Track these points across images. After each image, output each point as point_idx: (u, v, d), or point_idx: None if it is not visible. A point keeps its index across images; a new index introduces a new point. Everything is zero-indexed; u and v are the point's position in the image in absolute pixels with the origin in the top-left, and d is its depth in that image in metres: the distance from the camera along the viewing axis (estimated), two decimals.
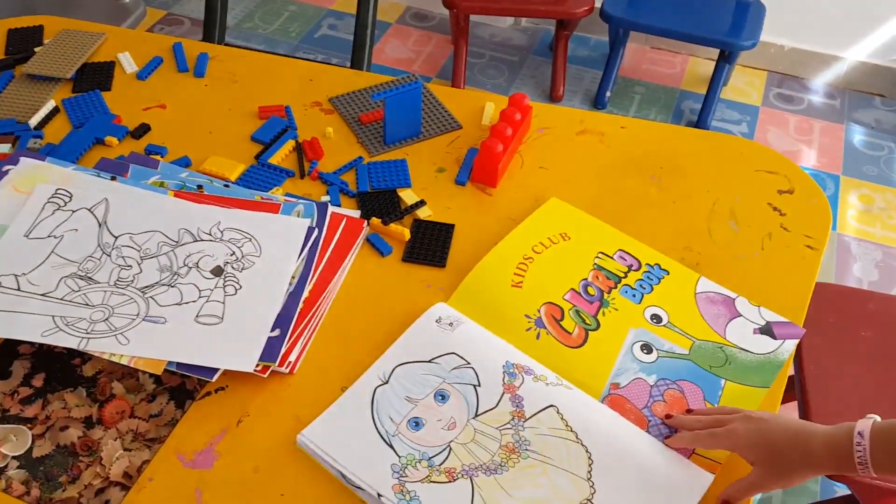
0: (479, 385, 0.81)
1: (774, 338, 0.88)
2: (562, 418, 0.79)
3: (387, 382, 0.81)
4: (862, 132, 2.34)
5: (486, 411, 0.79)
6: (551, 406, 0.80)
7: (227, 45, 1.71)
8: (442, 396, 0.80)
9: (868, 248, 2.01)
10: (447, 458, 0.76)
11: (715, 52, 2.27)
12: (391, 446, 0.76)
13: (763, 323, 0.89)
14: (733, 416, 0.75)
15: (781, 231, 0.99)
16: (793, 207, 1.02)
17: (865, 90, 2.48)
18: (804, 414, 1.19)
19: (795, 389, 1.23)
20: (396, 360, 0.83)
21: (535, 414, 0.79)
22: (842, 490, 1.52)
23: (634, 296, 0.91)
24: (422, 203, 1.01)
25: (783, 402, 1.13)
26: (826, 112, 2.40)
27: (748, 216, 1.01)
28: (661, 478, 0.75)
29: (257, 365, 0.80)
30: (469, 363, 0.83)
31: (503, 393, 0.80)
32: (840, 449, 0.67)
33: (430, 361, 0.83)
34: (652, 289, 0.92)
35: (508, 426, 0.78)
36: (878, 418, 0.68)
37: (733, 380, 0.84)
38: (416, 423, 0.78)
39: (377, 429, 0.77)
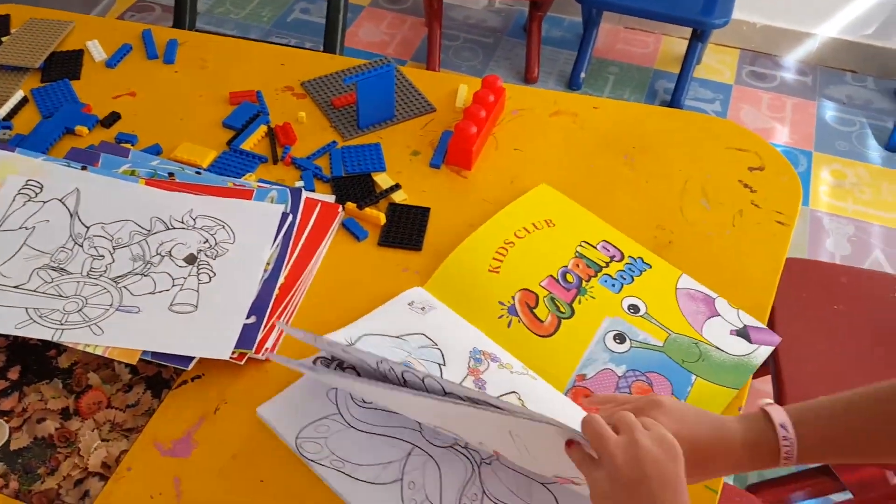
0: (444, 365, 0.81)
1: (750, 342, 0.87)
2: (523, 405, 0.79)
3: (352, 345, 0.81)
4: (833, 108, 2.36)
5: None
6: (513, 392, 0.80)
7: (198, 30, 1.70)
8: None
9: (840, 222, 2.03)
10: None
11: (688, 31, 2.28)
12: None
13: (741, 326, 0.88)
14: (650, 409, 0.67)
15: (752, 208, 1.00)
16: (763, 184, 1.03)
17: (837, 66, 2.50)
18: (778, 387, 1.21)
19: (769, 363, 1.25)
20: (364, 331, 0.83)
21: (497, 397, 0.79)
22: None
23: (614, 285, 0.91)
24: (397, 187, 1.01)
25: (757, 376, 1.15)
26: (798, 89, 2.42)
27: (719, 194, 1.02)
28: None
29: (233, 352, 0.80)
30: (436, 344, 0.83)
31: (467, 375, 0.81)
32: (762, 447, 0.64)
33: (397, 337, 0.83)
34: (632, 280, 0.92)
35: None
36: (769, 400, 0.66)
37: (704, 377, 0.83)
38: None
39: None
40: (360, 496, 0.72)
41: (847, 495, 1.25)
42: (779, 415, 0.64)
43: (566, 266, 0.93)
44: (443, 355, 0.82)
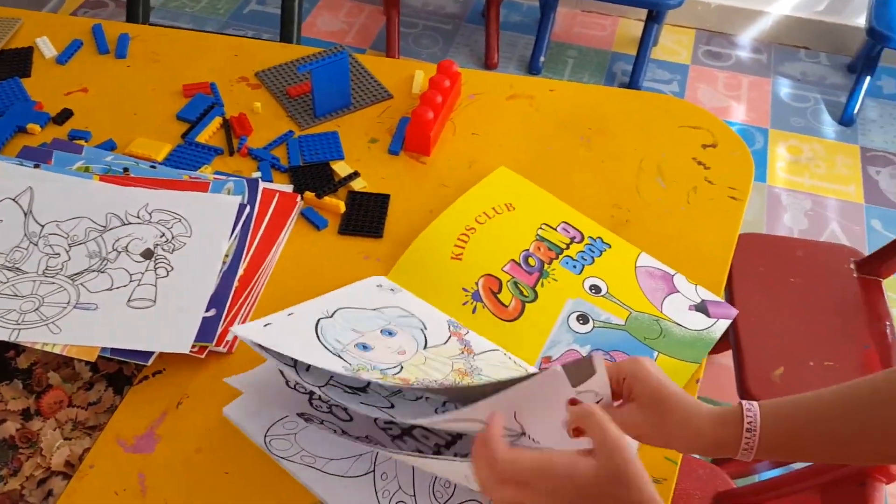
0: (426, 329, 0.81)
1: (709, 316, 0.89)
2: (509, 358, 0.80)
3: (331, 317, 0.80)
4: (788, 85, 2.40)
5: (436, 346, 0.80)
6: (498, 350, 0.81)
7: (151, 24, 1.68)
8: (389, 333, 0.80)
9: (798, 197, 2.07)
10: (399, 372, 0.75)
11: (644, 13, 2.30)
12: (340, 357, 0.74)
13: (699, 301, 0.90)
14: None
15: (706, 184, 1.02)
16: (716, 161, 1.05)
17: (790, 43, 2.54)
18: (738, 360, 1.23)
19: (729, 338, 1.28)
20: (339, 305, 0.82)
21: (484, 352, 0.80)
22: None
23: (575, 267, 0.92)
24: (356, 175, 1.01)
25: (717, 351, 1.18)
26: (753, 67, 2.46)
27: (674, 172, 1.04)
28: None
29: (193, 346, 0.80)
30: (414, 314, 0.83)
31: (450, 336, 0.81)
32: (725, 420, 0.64)
33: (374, 310, 0.83)
34: (593, 261, 0.93)
35: (459, 357, 0.79)
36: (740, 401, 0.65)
37: (666, 353, 0.85)
38: (365, 347, 0.77)
39: (323, 344, 0.75)
40: (333, 490, 0.72)
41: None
42: (751, 412, 0.64)
43: (528, 249, 0.93)
44: (422, 323, 0.82)
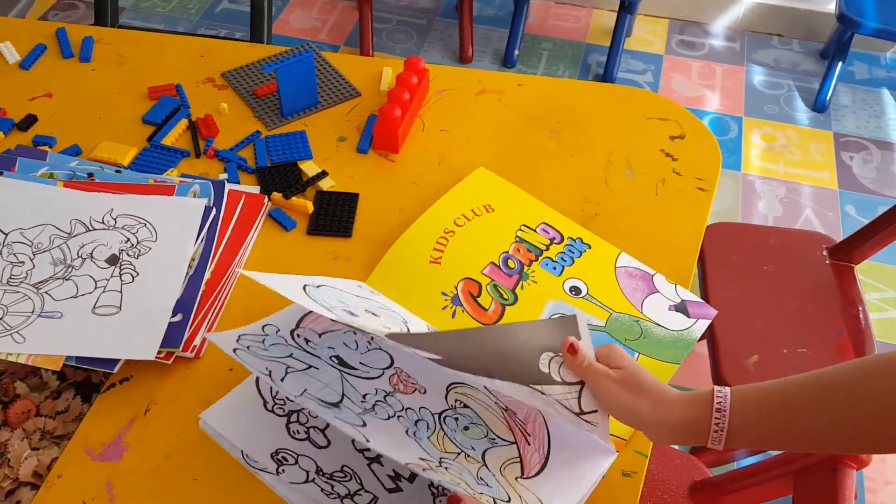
0: (407, 323, 0.82)
1: (688, 316, 0.89)
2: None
3: (317, 288, 0.79)
4: (761, 72, 2.41)
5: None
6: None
7: (121, 26, 1.66)
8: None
9: (772, 185, 2.08)
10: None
11: (617, 4, 2.30)
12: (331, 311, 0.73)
13: (678, 301, 0.90)
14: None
15: (674, 176, 1.02)
16: (684, 152, 1.05)
17: (763, 31, 2.55)
18: (713, 348, 1.24)
19: None
20: (323, 282, 0.81)
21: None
22: None
23: (555, 268, 0.92)
24: (324, 174, 1.01)
25: None
26: (727, 55, 2.47)
27: (642, 164, 1.04)
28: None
29: (160, 352, 0.79)
30: (395, 311, 0.83)
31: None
32: (696, 404, 0.65)
33: (356, 296, 0.82)
34: (573, 262, 0.92)
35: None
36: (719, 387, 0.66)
37: (647, 354, 0.85)
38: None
39: (312, 299, 0.75)
40: (311, 501, 0.71)
41: None
42: (721, 388, 0.65)
43: (507, 252, 0.93)
44: (404, 319, 0.82)
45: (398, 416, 0.73)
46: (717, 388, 0.65)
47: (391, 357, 0.78)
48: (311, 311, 0.80)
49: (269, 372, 0.71)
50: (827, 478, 0.90)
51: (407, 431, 0.72)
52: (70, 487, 0.73)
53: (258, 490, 0.72)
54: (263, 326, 0.78)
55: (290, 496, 0.72)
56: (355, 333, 0.79)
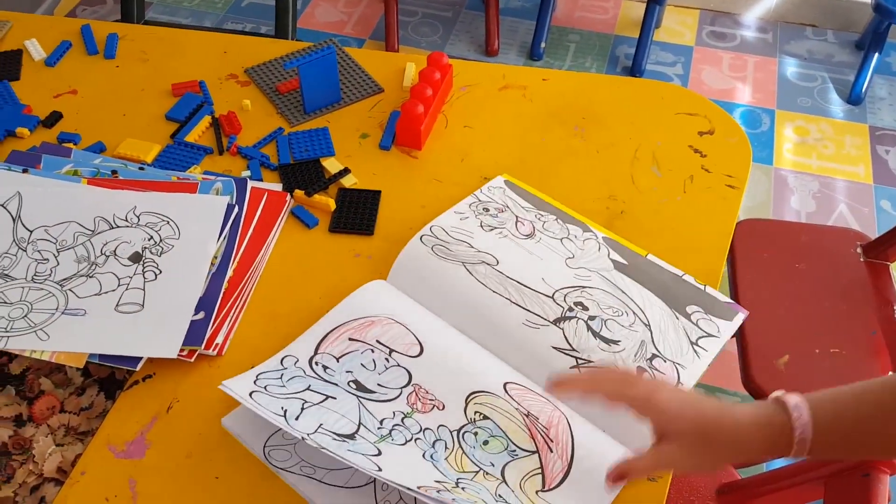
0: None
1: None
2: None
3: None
4: (795, 64, 2.36)
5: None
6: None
7: (149, 21, 1.67)
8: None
9: (805, 179, 2.04)
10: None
11: None
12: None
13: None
14: (643, 382, 0.66)
15: (703, 172, 1.00)
16: (713, 148, 1.03)
17: (796, 21, 2.50)
18: (742, 348, 1.22)
19: None
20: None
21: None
22: None
23: None
24: (346, 171, 1.00)
25: None
26: (759, 46, 2.42)
27: (670, 160, 1.02)
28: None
29: (182, 350, 0.79)
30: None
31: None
32: (773, 427, 0.59)
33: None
34: None
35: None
36: (781, 391, 0.61)
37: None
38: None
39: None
40: (333, 501, 0.71)
41: None
42: (793, 398, 0.60)
43: None
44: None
45: (416, 440, 0.73)
46: (794, 412, 0.59)
47: (409, 373, 0.78)
48: (329, 333, 0.81)
49: (285, 412, 0.72)
50: (859, 482, 0.88)
51: (424, 455, 0.72)
52: (93, 484, 0.73)
53: (280, 489, 0.72)
54: (282, 359, 0.79)
55: (316, 498, 0.71)
56: (373, 352, 0.79)
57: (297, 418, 0.72)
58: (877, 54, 2.20)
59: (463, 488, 0.68)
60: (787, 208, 1.97)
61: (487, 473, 0.71)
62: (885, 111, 2.22)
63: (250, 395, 0.73)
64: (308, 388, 0.75)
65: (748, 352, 1.21)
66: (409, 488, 0.64)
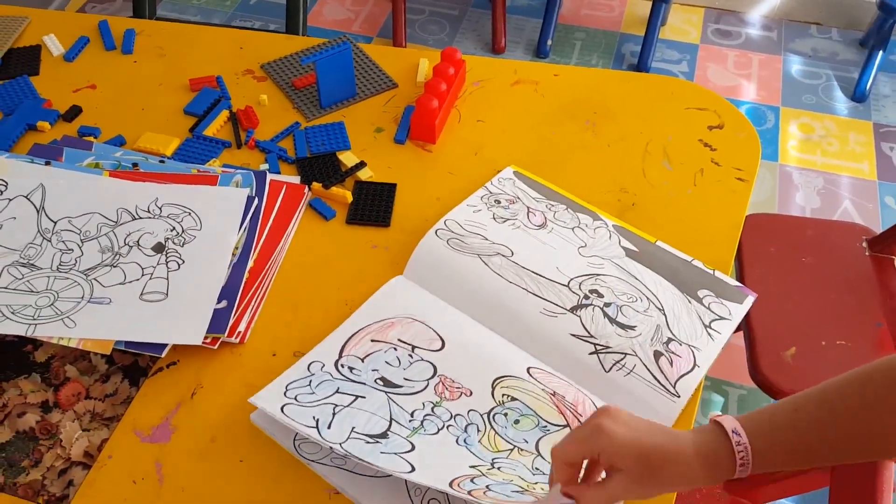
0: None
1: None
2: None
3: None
4: (799, 62, 2.38)
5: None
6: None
7: (158, 19, 1.68)
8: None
9: (810, 176, 2.06)
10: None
11: None
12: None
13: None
14: (590, 419, 0.64)
15: (713, 166, 1.02)
16: (723, 142, 1.05)
17: (801, 19, 2.51)
18: (750, 340, 1.23)
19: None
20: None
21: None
22: None
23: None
24: (362, 164, 1.02)
25: None
26: (763, 44, 2.43)
27: (680, 154, 1.04)
28: None
29: (206, 337, 0.81)
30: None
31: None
32: (717, 454, 0.61)
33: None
34: None
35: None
36: (719, 412, 0.61)
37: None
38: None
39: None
40: (365, 491, 0.72)
41: None
42: (730, 422, 0.61)
43: None
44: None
45: (448, 427, 0.75)
46: (734, 437, 0.61)
47: (434, 366, 0.80)
48: (352, 337, 0.83)
49: (317, 421, 0.73)
50: (865, 469, 0.89)
51: (457, 440, 0.73)
52: (120, 467, 0.75)
53: (304, 472, 0.74)
54: (308, 365, 0.80)
55: (348, 488, 0.72)
56: (396, 350, 0.81)
57: (329, 426, 0.73)
58: (881, 52, 2.22)
59: (499, 468, 0.70)
60: (792, 204, 1.99)
61: (522, 450, 0.73)
62: (890, 108, 2.24)
63: (282, 409, 0.74)
64: (337, 391, 0.77)
65: (756, 344, 1.22)
66: (440, 489, 0.66)
